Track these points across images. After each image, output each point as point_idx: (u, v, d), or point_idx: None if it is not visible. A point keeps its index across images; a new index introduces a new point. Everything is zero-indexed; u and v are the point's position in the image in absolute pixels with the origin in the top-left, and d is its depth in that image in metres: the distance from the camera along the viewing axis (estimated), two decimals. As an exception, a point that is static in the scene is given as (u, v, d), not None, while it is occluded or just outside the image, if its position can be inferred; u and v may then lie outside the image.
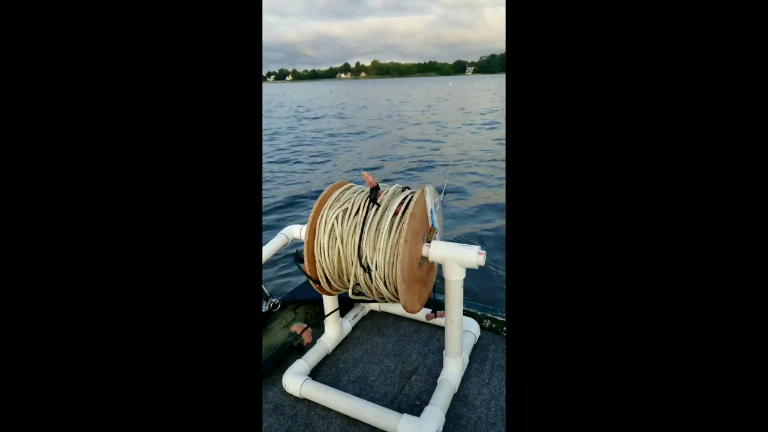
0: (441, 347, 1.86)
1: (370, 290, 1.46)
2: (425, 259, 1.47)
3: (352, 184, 1.64)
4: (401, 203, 1.41)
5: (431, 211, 1.54)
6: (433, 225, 1.54)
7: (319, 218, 1.50)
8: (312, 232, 1.49)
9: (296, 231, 1.74)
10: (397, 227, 1.36)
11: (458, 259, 1.40)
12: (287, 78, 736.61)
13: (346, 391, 1.58)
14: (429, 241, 1.47)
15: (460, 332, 1.55)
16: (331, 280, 1.52)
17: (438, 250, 1.43)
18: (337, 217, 1.46)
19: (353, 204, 1.48)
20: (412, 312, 1.43)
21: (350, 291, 1.50)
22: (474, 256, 1.37)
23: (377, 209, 1.43)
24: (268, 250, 1.70)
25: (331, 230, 1.46)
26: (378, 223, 1.40)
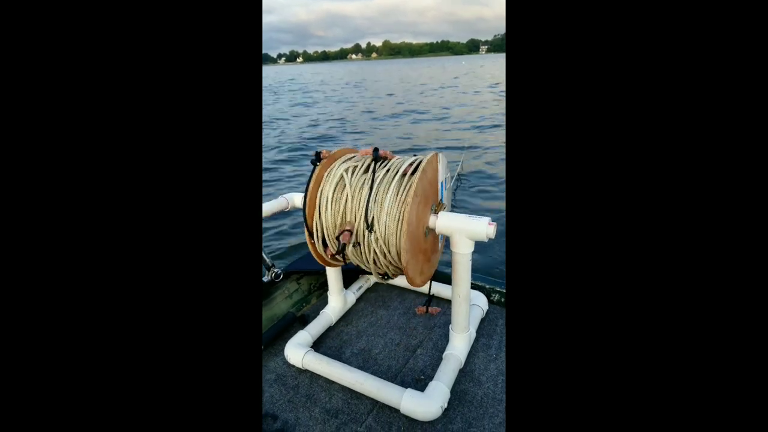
0: (447, 321, 1.80)
1: (368, 253, 1.38)
2: (431, 230, 1.40)
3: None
4: (411, 164, 1.33)
5: (442, 184, 1.46)
6: (441, 199, 1.46)
7: (327, 171, 1.42)
8: (318, 182, 1.41)
9: (298, 199, 1.68)
10: (406, 185, 1.29)
11: (467, 231, 1.32)
12: (298, 60, 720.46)
13: (349, 363, 1.54)
14: (436, 212, 1.40)
15: (467, 306, 1.49)
16: (328, 239, 1.44)
17: (445, 221, 1.35)
18: (346, 171, 1.39)
19: (363, 163, 1.41)
20: (413, 284, 1.37)
21: (349, 246, 1.39)
22: (483, 227, 1.29)
23: (387, 170, 1.35)
24: (265, 209, 1.62)
25: (339, 181, 1.38)
26: (387, 181, 1.32)
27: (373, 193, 1.31)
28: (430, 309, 1.68)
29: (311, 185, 1.39)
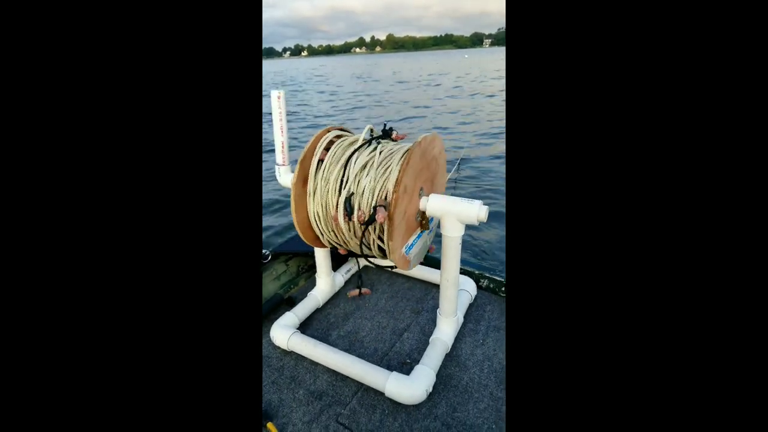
0: (435, 305, 1.79)
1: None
2: (422, 213, 1.37)
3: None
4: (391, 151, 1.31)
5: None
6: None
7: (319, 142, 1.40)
8: (312, 149, 1.39)
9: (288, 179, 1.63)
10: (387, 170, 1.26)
11: (457, 214, 1.30)
12: (302, 53, 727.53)
13: (335, 346, 1.53)
14: (427, 195, 1.37)
15: (455, 291, 1.48)
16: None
17: (436, 203, 1.33)
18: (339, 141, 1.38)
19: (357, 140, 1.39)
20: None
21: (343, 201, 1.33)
22: (475, 210, 1.26)
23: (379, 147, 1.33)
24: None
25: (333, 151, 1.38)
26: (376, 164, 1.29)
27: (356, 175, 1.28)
28: (362, 290, 1.84)
29: (304, 154, 1.39)
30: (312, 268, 2.11)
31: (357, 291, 1.84)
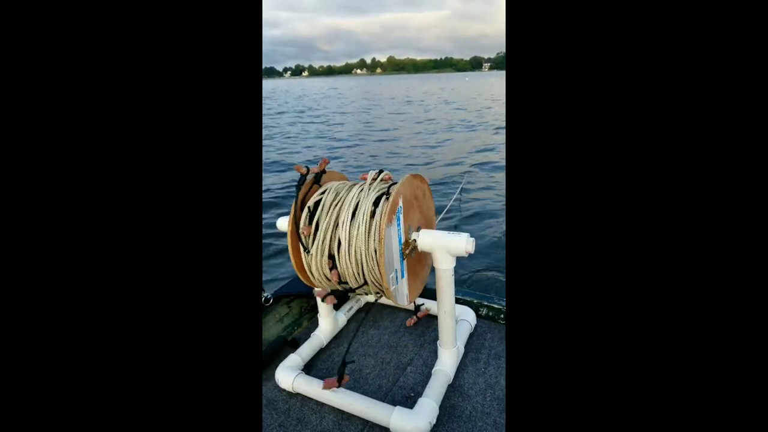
0: (437, 337, 1.82)
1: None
2: (406, 243, 1.43)
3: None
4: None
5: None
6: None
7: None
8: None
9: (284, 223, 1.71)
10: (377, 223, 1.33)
11: (446, 247, 1.36)
12: (303, 74, 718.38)
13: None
14: (418, 230, 1.44)
15: (453, 321, 1.52)
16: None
17: (426, 239, 1.39)
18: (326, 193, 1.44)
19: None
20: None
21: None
22: (462, 243, 1.33)
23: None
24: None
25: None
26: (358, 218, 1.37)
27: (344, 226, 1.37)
28: (418, 314, 1.87)
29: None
30: (314, 309, 2.15)
31: (414, 319, 1.92)
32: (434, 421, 1.36)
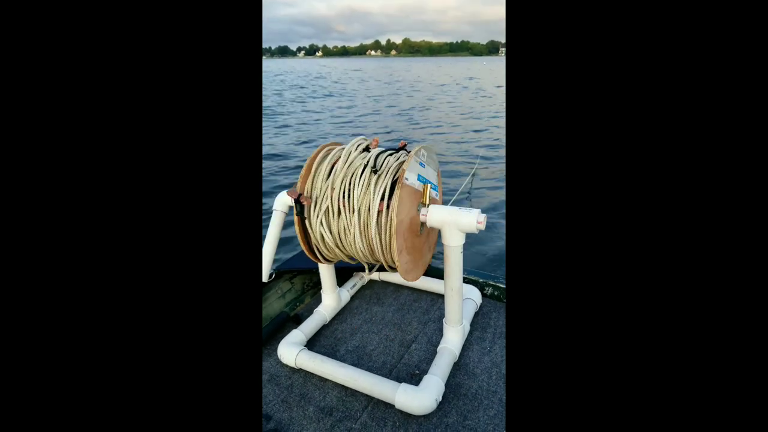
0: (441, 315, 1.80)
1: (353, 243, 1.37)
2: (423, 225, 1.39)
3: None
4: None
5: (420, 177, 1.45)
6: (434, 189, 1.47)
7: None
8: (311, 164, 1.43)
9: (287, 198, 1.66)
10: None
11: (457, 224, 1.32)
12: (317, 54, 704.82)
13: (343, 361, 1.54)
14: (427, 206, 1.39)
15: (460, 300, 1.49)
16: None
17: (436, 215, 1.35)
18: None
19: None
20: (406, 278, 1.37)
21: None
22: (474, 219, 1.29)
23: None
24: (273, 233, 1.56)
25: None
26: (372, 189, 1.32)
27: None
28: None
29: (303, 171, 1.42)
30: (317, 285, 2.12)
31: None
32: (440, 399, 1.34)
